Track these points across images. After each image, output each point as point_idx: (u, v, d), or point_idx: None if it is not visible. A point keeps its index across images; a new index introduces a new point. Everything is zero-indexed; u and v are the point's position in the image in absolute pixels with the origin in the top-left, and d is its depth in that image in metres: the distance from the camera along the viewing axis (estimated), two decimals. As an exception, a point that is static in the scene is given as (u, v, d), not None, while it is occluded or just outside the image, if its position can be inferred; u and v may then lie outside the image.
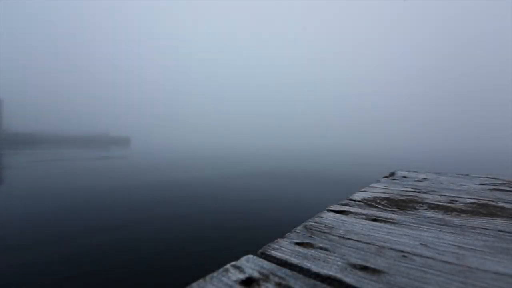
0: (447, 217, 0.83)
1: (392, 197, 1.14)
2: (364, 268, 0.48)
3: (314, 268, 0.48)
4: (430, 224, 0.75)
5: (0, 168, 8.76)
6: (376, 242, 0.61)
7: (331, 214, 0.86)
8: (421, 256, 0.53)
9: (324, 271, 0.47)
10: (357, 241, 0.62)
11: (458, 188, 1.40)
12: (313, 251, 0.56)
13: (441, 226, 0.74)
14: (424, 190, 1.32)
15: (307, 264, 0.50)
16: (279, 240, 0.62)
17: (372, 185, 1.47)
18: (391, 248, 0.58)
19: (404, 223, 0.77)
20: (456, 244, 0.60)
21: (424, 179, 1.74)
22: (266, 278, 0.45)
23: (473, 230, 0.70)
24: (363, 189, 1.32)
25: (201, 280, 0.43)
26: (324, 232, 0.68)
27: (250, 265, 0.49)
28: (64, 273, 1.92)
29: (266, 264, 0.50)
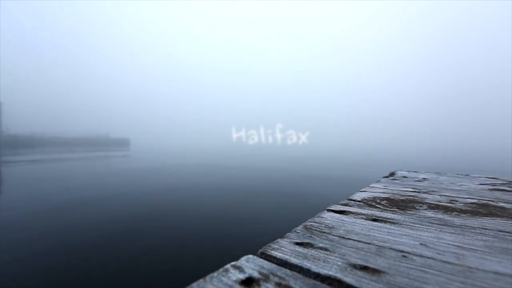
0: (447, 217, 0.83)
1: (392, 197, 1.14)
2: (364, 268, 0.48)
3: (314, 268, 0.48)
4: (430, 224, 0.75)
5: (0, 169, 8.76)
6: (376, 242, 0.61)
7: (331, 214, 0.86)
8: (421, 256, 0.53)
9: (324, 271, 0.47)
10: (357, 241, 0.62)
11: (458, 188, 1.40)
12: (313, 251, 0.56)
13: (441, 226, 0.74)
14: (424, 190, 1.32)
15: (307, 264, 0.50)
16: (279, 240, 0.62)
17: (372, 185, 1.47)
18: (391, 248, 0.58)
19: (404, 223, 0.77)
20: (456, 244, 0.60)
21: (424, 179, 1.74)
22: (266, 278, 0.45)
23: (473, 230, 0.70)
24: (363, 189, 1.32)
25: (201, 280, 0.43)
26: (324, 232, 0.68)
27: (250, 265, 0.49)
28: (62, 273, 1.92)
29: (266, 264, 0.50)
